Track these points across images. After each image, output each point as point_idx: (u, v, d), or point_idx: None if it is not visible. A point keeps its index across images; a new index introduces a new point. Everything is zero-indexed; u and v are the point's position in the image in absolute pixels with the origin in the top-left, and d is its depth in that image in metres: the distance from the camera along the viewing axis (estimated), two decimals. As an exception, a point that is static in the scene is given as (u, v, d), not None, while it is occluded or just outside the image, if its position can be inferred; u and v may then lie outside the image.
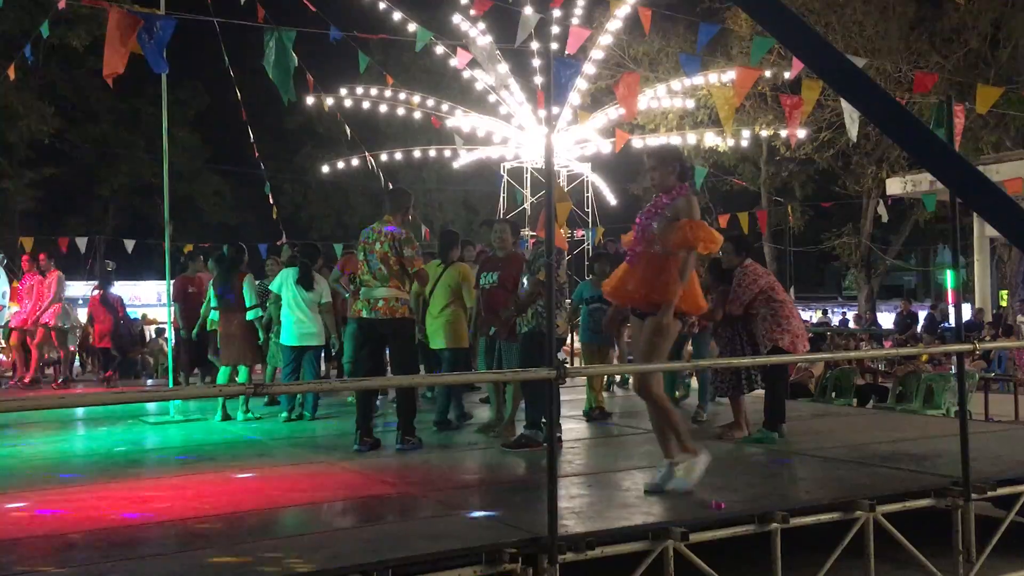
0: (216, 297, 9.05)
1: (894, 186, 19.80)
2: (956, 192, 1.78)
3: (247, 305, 8.69)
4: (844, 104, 9.25)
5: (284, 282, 8.48)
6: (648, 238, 5.08)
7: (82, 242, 19.84)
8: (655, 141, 20.47)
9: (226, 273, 8.88)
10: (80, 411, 9.48)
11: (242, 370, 8.81)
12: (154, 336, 19.15)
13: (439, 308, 7.80)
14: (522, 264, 7.13)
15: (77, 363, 18.79)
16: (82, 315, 15.94)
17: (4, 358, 17.82)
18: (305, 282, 8.42)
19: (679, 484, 4.94)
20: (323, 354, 9.50)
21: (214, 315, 9.35)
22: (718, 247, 5.22)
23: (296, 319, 8.42)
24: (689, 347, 8.65)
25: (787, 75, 14.48)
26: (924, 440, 6.81)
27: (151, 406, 9.48)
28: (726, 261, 7.17)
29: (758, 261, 7.51)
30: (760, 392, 7.18)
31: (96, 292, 13.52)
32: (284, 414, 8.50)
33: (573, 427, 7.80)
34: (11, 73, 11.85)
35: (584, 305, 8.68)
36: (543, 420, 6.42)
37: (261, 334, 8.89)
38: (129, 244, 20.19)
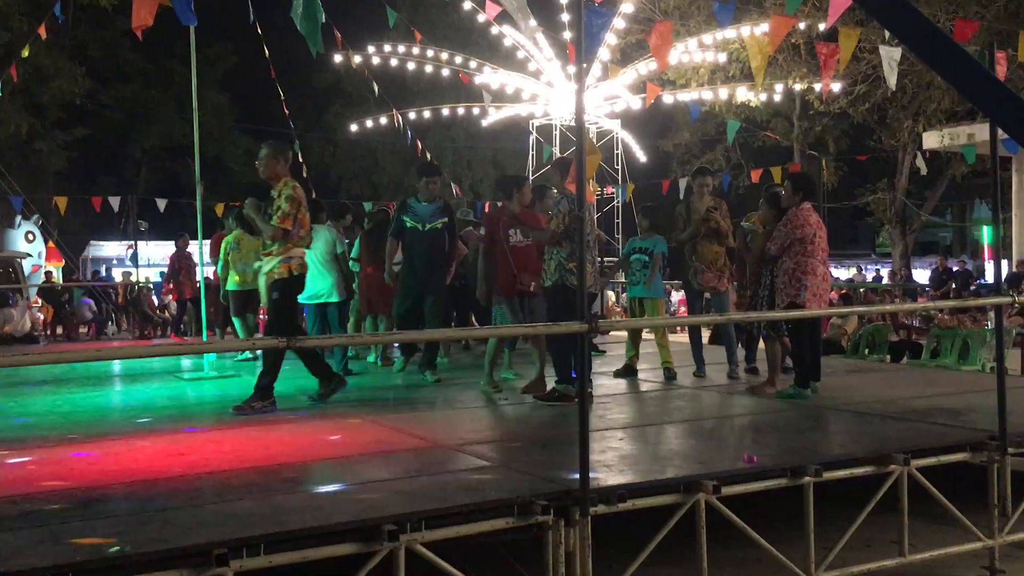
0: None
1: (931, 140, 19.37)
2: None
3: None
4: (883, 51, 8.99)
5: None
6: None
7: (115, 202, 20.04)
8: (686, 96, 20.17)
9: (251, 230, 8.88)
10: (116, 367, 9.62)
11: None
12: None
13: None
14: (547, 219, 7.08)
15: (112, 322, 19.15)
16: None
17: (42, 316, 18.13)
18: None
19: None
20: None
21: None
22: None
23: (309, 275, 8.42)
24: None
25: (822, 26, 14.15)
26: (960, 395, 6.74)
27: (186, 362, 9.60)
28: (784, 200, 6.91)
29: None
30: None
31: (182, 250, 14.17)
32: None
33: (605, 382, 7.80)
34: (42, 33, 11.90)
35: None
36: (573, 374, 6.41)
37: None
38: (161, 204, 20.36)
